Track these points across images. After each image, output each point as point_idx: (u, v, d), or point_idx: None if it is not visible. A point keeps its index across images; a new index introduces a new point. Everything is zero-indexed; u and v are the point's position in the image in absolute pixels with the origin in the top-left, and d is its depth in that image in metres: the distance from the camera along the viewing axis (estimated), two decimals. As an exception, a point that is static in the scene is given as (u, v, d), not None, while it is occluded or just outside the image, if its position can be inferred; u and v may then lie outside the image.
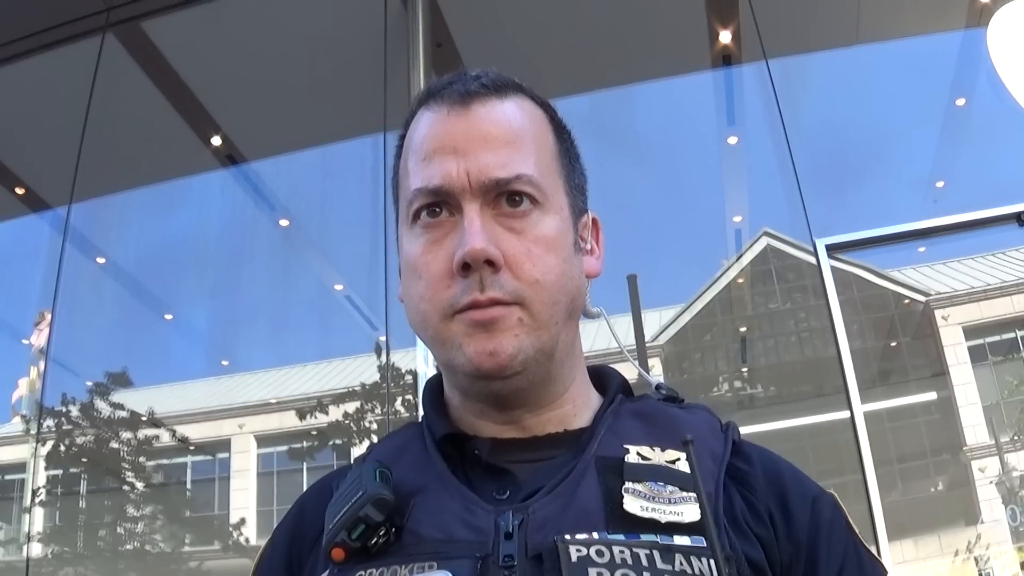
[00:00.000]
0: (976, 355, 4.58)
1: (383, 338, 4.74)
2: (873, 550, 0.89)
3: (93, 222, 5.41)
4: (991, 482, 4.69)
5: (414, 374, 4.47)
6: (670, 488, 0.81)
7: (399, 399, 4.60)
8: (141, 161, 5.32)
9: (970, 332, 4.58)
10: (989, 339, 4.63)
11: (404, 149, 0.94)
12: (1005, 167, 4.66)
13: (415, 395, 4.50)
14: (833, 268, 4.01)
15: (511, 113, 0.89)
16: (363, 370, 4.79)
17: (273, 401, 5.02)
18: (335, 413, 4.77)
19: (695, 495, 0.79)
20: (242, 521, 4.95)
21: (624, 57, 4.77)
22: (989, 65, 4.78)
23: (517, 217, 0.86)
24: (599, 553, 0.75)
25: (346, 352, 5.01)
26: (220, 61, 5.09)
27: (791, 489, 0.87)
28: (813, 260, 4.06)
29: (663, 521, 0.78)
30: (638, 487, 0.81)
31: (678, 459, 0.84)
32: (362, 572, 0.80)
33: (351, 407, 4.77)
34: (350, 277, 5.05)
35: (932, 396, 4.49)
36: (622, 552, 0.75)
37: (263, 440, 5.03)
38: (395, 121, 5.04)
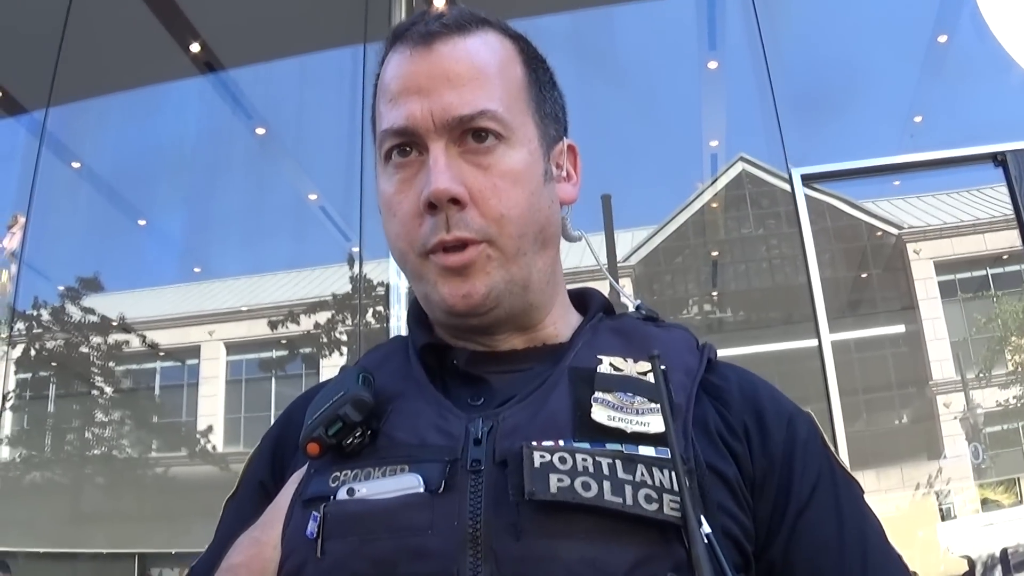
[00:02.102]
0: (946, 290, 4.60)
1: (356, 249, 4.72)
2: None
3: (69, 126, 5.35)
4: (955, 418, 4.74)
5: (386, 286, 4.46)
6: (639, 399, 0.82)
7: (370, 310, 4.59)
8: (119, 66, 5.24)
9: (941, 267, 4.60)
10: (960, 275, 4.65)
11: (377, 90, 0.94)
12: (982, 106, 4.65)
13: (386, 307, 4.49)
14: (807, 197, 4.00)
15: (474, 50, 0.88)
16: (335, 280, 4.78)
17: (244, 309, 5.01)
18: (306, 323, 4.77)
19: (660, 406, 0.79)
20: (209, 428, 4.97)
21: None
22: (972, 3, 4.74)
23: (482, 153, 0.86)
24: (562, 460, 0.75)
25: (318, 262, 4.99)
26: (201, -34, 5.01)
27: (767, 406, 0.88)
28: (788, 187, 4.04)
29: (628, 431, 0.79)
30: (607, 397, 0.82)
31: (648, 372, 0.84)
32: (336, 472, 0.82)
33: (322, 317, 4.77)
34: (325, 187, 5.02)
35: (900, 329, 4.51)
36: (584, 460, 0.75)
37: (233, 347, 5.02)
38: (376, 32, 5.00)
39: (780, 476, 0.84)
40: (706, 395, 0.86)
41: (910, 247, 4.61)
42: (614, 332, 0.92)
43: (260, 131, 5.26)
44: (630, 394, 0.82)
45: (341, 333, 4.75)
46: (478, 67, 0.87)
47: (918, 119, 4.69)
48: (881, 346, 4.54)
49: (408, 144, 0.87)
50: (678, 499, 0.74)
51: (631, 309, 0.99)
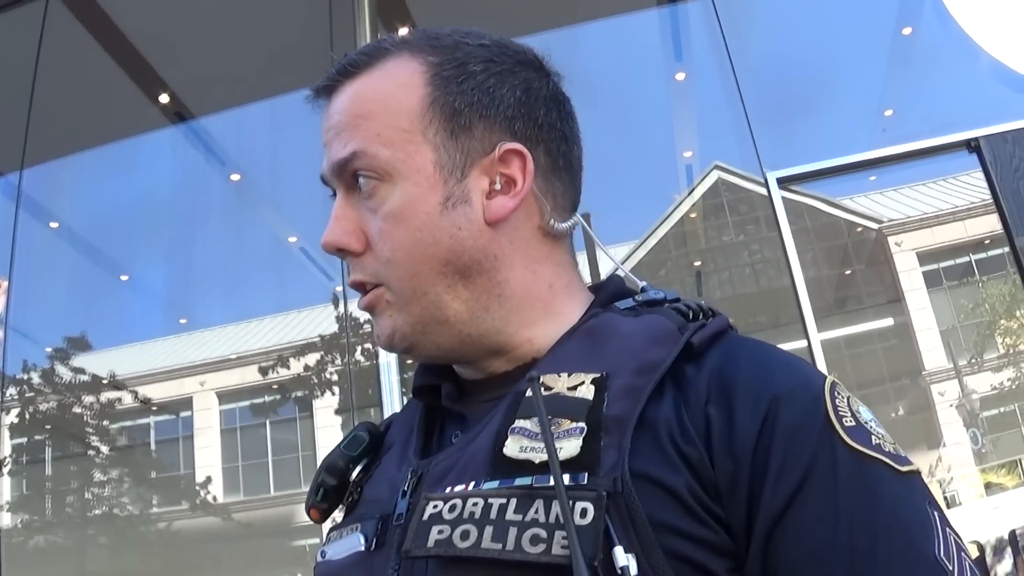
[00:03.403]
0: (931, 280, 4.61)
1: (339, 288, 4.72)
2: None
3: (45, 187, 5.34)
4: (951, 405, 4.73)
5: (371, 323, 4.44)
6: (561, 421, 0.74)
7: (358, 348, 4.58)
8: (90, 123, 5.24)
9: (924, 257, 4.60)
10: (943, 264, 4.65)
11: None
12: (951, 95, 4.67)
13: (374, 344, 4.48)
14: (785, 199, 4.01)
15: (355, 93, 0.87)
16: (321, 321, 4.77)
17: (233, 357, 4.99)
18: (296, 366, 4.75)
19: (583, 425, 0.73)
20: (208, 479, 4.94)
21: (567, -2, 4.73)
22: (931, -9, 4.76)
23: (367, 197, 0.85)
24: (452, 508, 0.72)
25: (303, 304, 4.98)
26: (165, 18, 5.01)
27: (741, 391, 0.74)
28: (764, 191, 4.05)
29: (537, 461, 0.73)
30: (526, 424, 0.76)
31: (581, 383, 0.77)
32: (331, 532, 0.85)
33: (311, 359, 4.75)
34: (303, 229, 5.01)
35: (889, 322, 4.50)
36: (475, 504, 0.71)
37: (225, 396, 5.00)
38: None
39: (752, 477, 0.71)
40: (676, 391, 0.76)
41: (891, 240, 4.61)
42: (585, 336, 0.84)
43: (235, 177, 5.25)
44: (549, 417, 0.74)
45: (332, 373, 4.74)
46: (356, 111, 0.86)
47: (888, 113, 4.71)
48: (871, 341, 4.54)
49: (334, 193, 0.89)
50: (585, 533, 0.66)
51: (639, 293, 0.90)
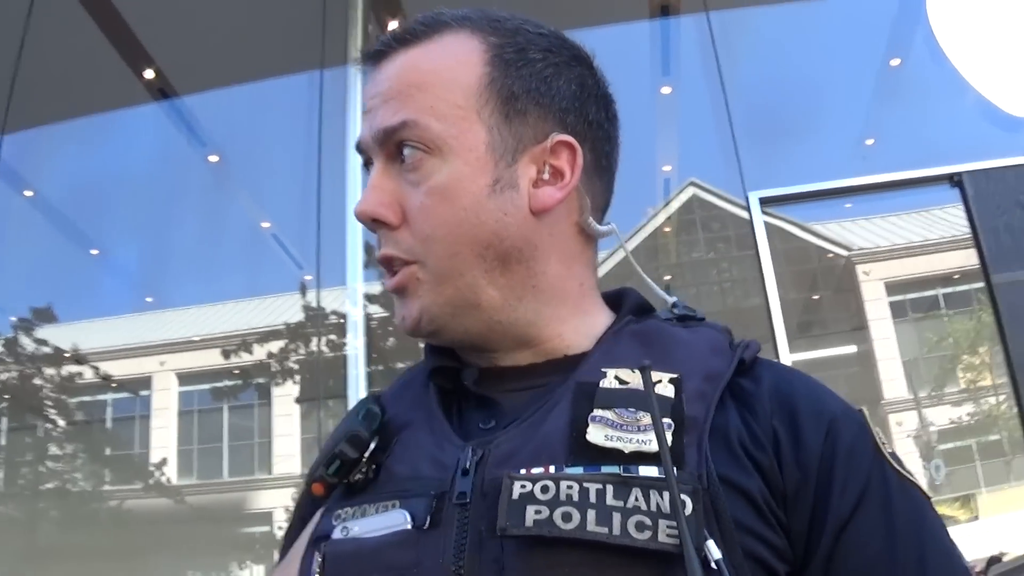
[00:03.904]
0: (897, 311, 4.62)
1: (308, 277, 4.70)
2: None
3: (23, 154, 5.30)
4: (908, 436, 4.75)
5: (339, 315, 4.44)
6: (642, 414, 0.75)
7: (323, 339, 4.56)
8: (73, 93, 5.21)
9: (892, 288, 4.62)
10: (911, 295, 4.67)
11: None
12: (937, 128, 4.70)
13: (340, 335, 4.47)
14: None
15: (410, 63, 0.86)
16: (286, 309, 4.74)
17: (196, 339, 4.96)
18: (259, 352, 4.73)
19: (671, 421, 0.74)
20: (163, 461, 4.90)
21: (560, 5, 4.72)
22: (926, 27, 4.80)
23: (411, 170, 0.83)
24: (544, 489, 0.71)
25: (271, 290, 4.95)
26: (156, -8, 5.00)
27: (803, 410, 0.80)
28: (737, 210, 4.06)
29: (627, 451, 0.73)
30: (606, 414, 0.76)
31: (659, 381, 0.78)
32: (339, 510, 0.80)
33: (274, 346, 4.73)
34: (278, 215, 4.99)
35: (852, 349, 4.52)
36: (570, 487, 0.71)
37: (184, 378, 4.97)
38: (333, 57, 4.99)
39: (817, 488, 0.76)
40: (735, 401, 0.80)
41: (860, 268, 4.63)
42: (636, 338, 0.86)
43: (213, 158, 5.23)
44: (632, 410, 0.76)
45: (294, 362, 4.71)
46: (411, 80, 0.85)
47: (870, 142, 4.74)
48: (833, 367, 4.55)
49: (369, 161, 0.88)
50: (675, 525, 0.68)
51: (669, 306, 0.92)
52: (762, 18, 5.01)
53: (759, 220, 4.01)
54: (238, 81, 5.14)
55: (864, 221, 4.68)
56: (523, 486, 0.71)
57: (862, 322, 4.60)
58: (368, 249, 4.49)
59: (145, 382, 4.95)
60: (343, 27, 4.94)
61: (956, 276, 4.66)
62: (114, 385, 4.97)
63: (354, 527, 0.77)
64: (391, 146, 0.84)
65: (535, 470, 0.73)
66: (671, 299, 0.93)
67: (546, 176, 0.86)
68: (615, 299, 0.93)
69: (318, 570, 0.77)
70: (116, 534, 4.97)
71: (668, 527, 0.68)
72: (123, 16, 5.10)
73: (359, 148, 0.88)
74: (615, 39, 4.92)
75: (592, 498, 0.70)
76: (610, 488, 0.70)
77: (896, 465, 0.79)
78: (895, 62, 4.89)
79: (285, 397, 4.77)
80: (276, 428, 4.72)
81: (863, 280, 4.64)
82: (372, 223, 0.84)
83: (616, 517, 0.69)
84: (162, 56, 5.22)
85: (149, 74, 5.26)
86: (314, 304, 4.66)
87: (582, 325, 0.88)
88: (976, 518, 4.78)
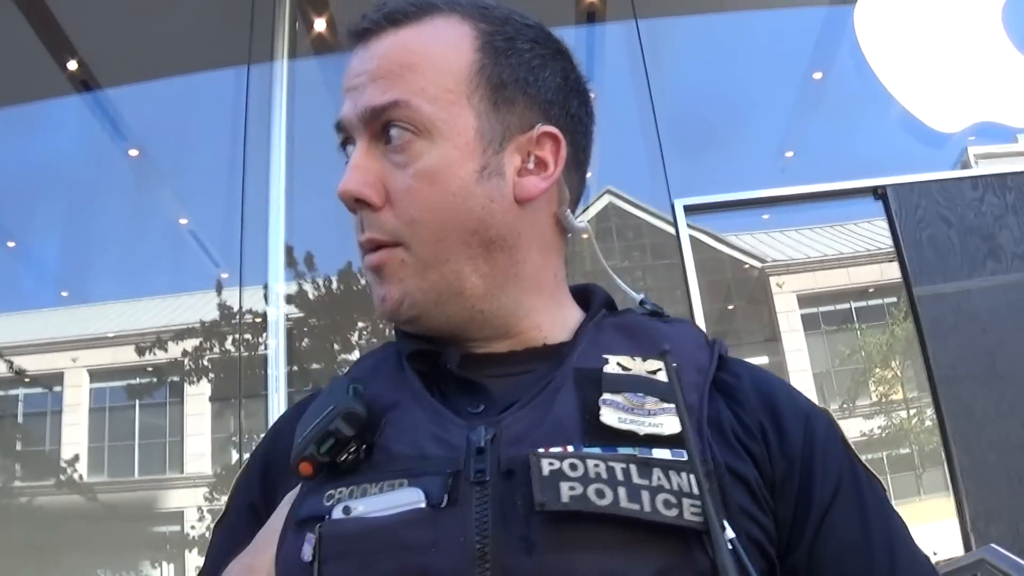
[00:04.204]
0: (809, 323, 4.67)
1: (225, 275, 4.65)
2: None
3: (-58, 144, 5.21)
4: (820, 448, 4.80)
5: (256, 314, 4.40)
6: (650, 399, 0.78)
7: (230, 337, 4.53)
8: (-4, 82, 5.12)
9: (804, 300, 4.66)
10: (823, 308, 4.71)
11: None
12: (856, 142, 4.75)
13: (256, 334, 4.43)
14: (670, 230, 4.04)
15: (401, 43, 0.86)
16: (202, 307, 4.70)
17: (110, 335, 4.90)
18: (173, 350, 4.68)
19: (675, 406, 0.76)
20: (75, 457, 4.83)
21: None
22: (850, 42, 4.85)
23: (398, 151, 0.83)
24: (572, 467, 0.72)
25: (187, 288, 4.90)
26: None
27: (784, 404, 0.85)
28: (653, 220, 4.07)
29: (641, 433, 0.76)
30: (616, 398, 0.78)
31: (659, 370, 0.81)
32: (331, 490, 0.77)
33: (189, 344, 4.68)
34: (195, 212, 4.94)
35: (764, 360, 4.56)
36: (596, 466, 0.72)
37: (96, 375, 4.90)
38: (259, 53, 4.94)
39: (801, 477, 0.81)
40: (719, 393, 0.83)
41: (773, 280, 4.67)
42: (618, 329, 0.88)
43: (133, 153, 5.16)
44: (640, 394, 0.79)
45: (208, 361, 4.67)
46: (401, 60, 0.85)
47: (789, 154, 4.78)
48: (745, 378, 4.57)
49: (349, 139, 0.88)
50: (698, 504, 0.71)
51: (637, 304, 0.96)
52: (689, 27, 5.03)
53: (684, 228, 4.02)
54: (163, 75, 5.08)
55: (779, 233, 4.72)
56: (551, 463, 0.72)
57: (775, 334, 4.63)
58: (288, 250, 4.46)
59: (57, 378, 4.88)
60: (270, 24, 4.90)
61: (871, 290, 4.71)
62: (27, 380, 4.89)
63: (357, 506, 0.75)
64: (377, 125, 0.84)
65: (553, 449, 0.74)
66: (638, 296, 0.96)
67: (531, 166, 0.88)
68: (581, 293, 0.96)
69: (313, 552, 0.74)
70: (26, 530, 4.89)
71: (691, 505, 0.71)
72: (48, 5, 5.03)
73: (339, 126, 0.88)
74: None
75: (619, 476, 0.71)
76: (633, 468, 0.72)
77: (861, 458, 0.86)
78: (817, 75, 4.94)
79: (198, 396, 4.72)
80: (188, 427, 4.68)
81: (776, 292, 4.68)
82: (355, 203, 0.84)
83: (645, 495, 0.71)
84: (86, 47, 5.16)
85: (72, 65, 5.19)
86: (231, 303, 4.62)
87: (558, 316, 0.91)
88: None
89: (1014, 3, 4.93)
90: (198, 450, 4.64)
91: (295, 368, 4.39)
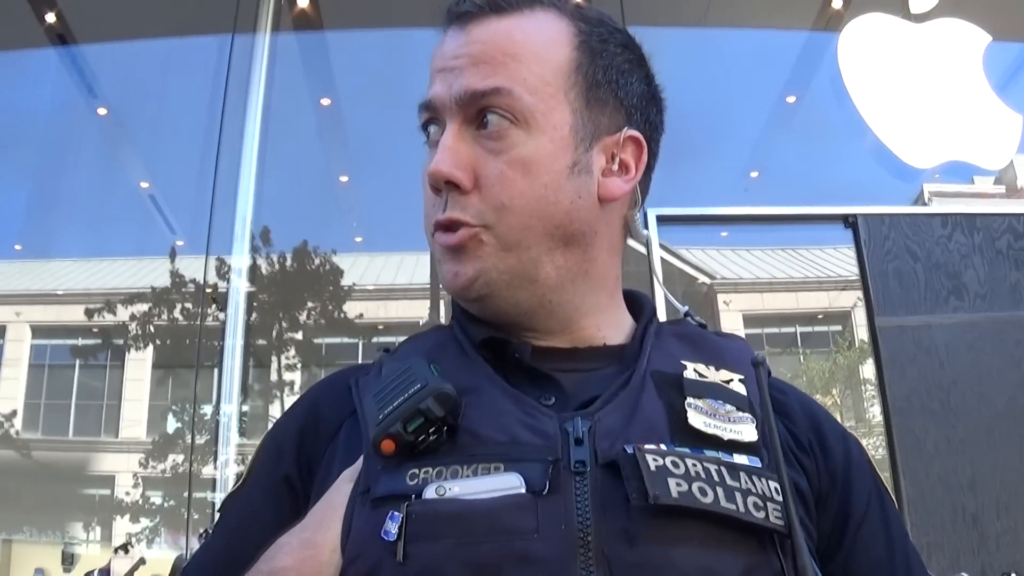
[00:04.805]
0: (753, 343, 4.66)
1: (180, 243, 4.63)
2: None
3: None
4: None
5: (210, 285, 4.38)
6: (728, 407, 0.81)
7: (180, 306, 4.52)
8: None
9: (750, 320, 4.67)
10: (768, 330, 4.73)
11: None
12: (822, 168, 4.76)
13: (195, 304, 4.41)
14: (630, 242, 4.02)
15: (504, 31, 0.87)
16: (151, 272, 4.67)
17: (59, 292, 4.87)
18: (121, 313, 4.65)
19: (751, 416, 0.80)
20: (12, 413, 4.79)
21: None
22: (830, 68, 4.85)
23: (493, 138, 0.84)
24: (674, 464, 0.74)
25: (141, 252, 4.87)
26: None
27: (825, 424, 0.89)
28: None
29: (725, 438, 0.78)
30: (699, 403, 0.80)
31: (731, 380, 0.84)
32: (415, 470, 0.76)
33: (137, 309, 4.65)
34: (157, 176, 4.90)
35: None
36: (695, 465, 0.74)
37: (39, 331, 4.87)
38: (244, 24, 4.91)
39: (841, 492, 0.85)
40: (772, 409, 0.83)
41: (720, 297, 4.67)
42: (680, 339, 0.90)
43: (101, 111, 5.12)
44: (720, 401, 0.81)
45: (153, 328, 4.64)
46: (504, 48, 0.85)
47: (754, 174, 4.78)
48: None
49: (436, 119, 0.87)
50: (779, 508, 0.74)
51: (682, 315, 0.98)
52: (670, 39, 5.03)
53: (655, 238, 4.02)
54: (143, 36, 5.05)
55: (730, 252, 4.73)
56: (655, 460, 0.73)
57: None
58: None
59: (-1, 331, 4.84)
60: (255, -5, 4.87)
61: (819, 316, 4.72)
62: (-31, 331, 4.85)
63: (452, 488, 0.74)
64: (473, 109, 0.84)
65: (649, 446, 0.75)
66: (683, 308, 0.98)
67: (615, 167, 0.89)
68: (628, 298, 0.96)
69: (397, 531, 0.72)
70: (-43, 481, 4.86)
71: (774, 509, 0.74)
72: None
73: (428, 105, 0.88)
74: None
75: (715, 477, 0.74)
76: (724, 470, 0.75)
77: (883, 481, 0.90)
78: (791, 99, 4.95)
79: (140, 362, 4.69)
80: (127, 392, 4.65)
81: (723, 309, 4.69)
82: (444, 184, 0.84)
83: (738, 496, 0.73)
84: (67, 1, 5.12)
85: (51, 18, 5.15)
86: (183, 271, 4.60)
87: (615, 318, 0.92)
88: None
89: (996, 46, 4.95)
90: (135, 416, 4.61)
91: (242, 342, 4.38)
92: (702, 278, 4.50)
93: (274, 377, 4.60)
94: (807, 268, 4.57)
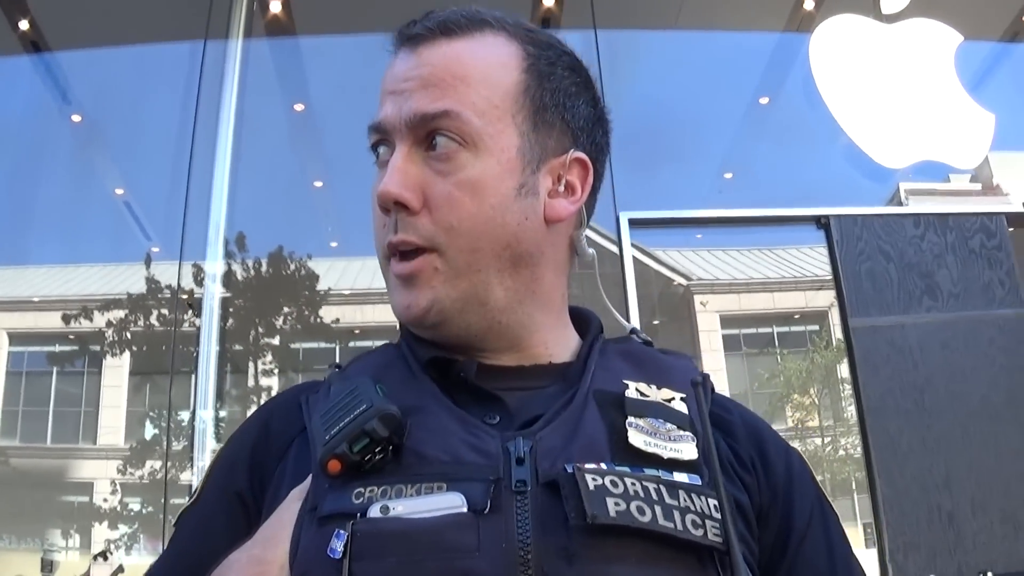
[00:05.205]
0: (730, 344, 4.70)
1: (156, 249, 4.63)
2: None
3: None
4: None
5: (182, 290, 4.37)
6: (669, 425, 0.83)
7: (156, 312, 4.51)
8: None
9: (727, 321, 4.69)
10: (745, 330, 4.75)
11: None
12: (796, 169, 4.79)
13: (171, 309, 4.40)
14: (602, 244, 4.04)
15: (453, 54, 0.88)
16: (128, 278, 4.66)
17: (35, 299, 4.85)
18: (98, 320, 4.64)
19: (691, 435, 0.82)
20: (-10, 420, 4.78)
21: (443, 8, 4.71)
22: (802, 69, 4.88)
23: (442, 160, 0.85)
24: (613, 484, 0.75)
25: (117, 259, 4.86)
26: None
27: (768, 439, 0.92)
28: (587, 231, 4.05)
29: (665, 457, 0.80)
30: (640, 422, 0.82)
31: (672, 399, 0.87)
32: (361, 489, 0.78)
33: (114, 316, 4.64)
34: (131, 183, 4.90)
35: (683, 378, 4.57)
36: (633, 484, 0.76)
37: (16, 338, 4.85)
38: (217, 30, 4.90)
39: (783, 507, 0.88)
40: (713, 427, 0.87)
41: (697, 298, 4.70)
42: (624, 357, 0.92)
43: (76, 118, 5.11)
44: (661, 420, 0.83)
45: (130, 334, 4.64)
46: (454, 71, 0.87)
47: (728, 175, 4.80)
48: (663, 393, 4.60)
49: (385, 141, 0.89)
50: (718, 525, 0.76)
51: (628, 331, 1.01)
52: (643, 41, 5.06)
53: (627, 241, 4.04)
54: (116, 43, 5.04)
55: (707, 252, 4.75)
56: (594, 479, 0.75)
57: (695, 352, 4.66)
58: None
59: (-24, 339, 4.82)
60: (227, 3, 4.87)
61: (796, 316, 4.75)
62: (-56, 339, 4.83)
63: (396, 507, 0.75)
64: (422, 132, 0.86)
65: (589, 466, 0.77)
66: (629, 325, 1.01)
67: (561, 189, 0.92)
68: (575, 316, 0.99)
69: (343, 549, 0.74)
70: (-69, 488, 4.84)
71: (712, 527, 0.76)
72: (3, -38, 4.97)
73: (378, 127, 0.90)
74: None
75: (654, 495, 0.76)
76: (663, 488, 0.77)
77: (824, 493, 0.93)
78: (764, 100, 4.98)
79: (117, 368, 4.69)
80: (104, 399, 4.65)
81: (700, 311, 4.71)
82: (394, 205, 0.85)
83: (676, 514, 0.75)
84: (39, 8, 5.10)
85: (24, 25, 5.13)
86: (159, 277, 4.59)
87: (561, 336, 0.95)
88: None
89: (967, 45, 4.99)
90: (113, 423, 4.61)
91: (217, 348, 4.37)
92: (678, 279, 4.53)
93: (251, 383, 4.60)
94: (783, 268, 4.60)
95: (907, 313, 4.11)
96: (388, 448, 0.79)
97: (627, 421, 0.82)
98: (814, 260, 4.28)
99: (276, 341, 4.63)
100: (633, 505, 0.74)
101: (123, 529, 4.55)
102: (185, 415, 4.32)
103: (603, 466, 0.77)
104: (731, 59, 5.00)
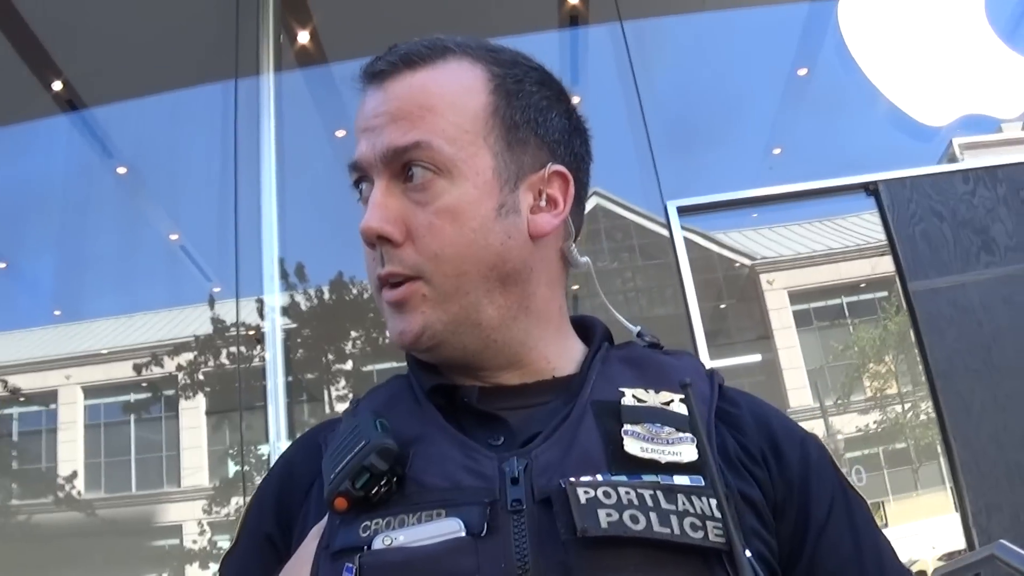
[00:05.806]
0: (801, 319, 4.66)
1: (217, 289, 4.65)
2: None
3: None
4: (816, 445, 4.81)
5: (249, 327, 4.39)
6: (667, 429, 0.82)
7: (233, 350, 4.53)
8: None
9: (795, 297, 4.65)
10: (814, 304, 4.70)
11: None
12: (843, 137, 4.75)
13: (250, 347, 4.43)
14: (659, 231, 4.02)
15: (421, 84, 0.88)
16: (193, 320, 4.70)
17: (104, 352, 4.90)
18: (168, 365, 4.68)
19: (691, 436, 0.81)
20: (73, 474, 4.83)
21: (470, 15, 4.72)
22: (834, 37, 4.84)
23: (419, 190, 0.86)
24: (606, 494, 0.76)
25: (179, 303, 4.90)
26: (64, 2, 4.93)
27: (780, 431, 0.90)
28: (641, 220, 4.05)
29: (663, 461, 0.80)
30: (636, 429, 0.82)
31: (672, 401, 0.86)
32: (367, 522, 0.79)
33: (183, 359, 4.68)
34: (185, 226, 4.94)
35: (757, 358, 4.55)
36: (628, 493, 0.76)
37: (90, 391, 4.90)
38: (246, 67, 4.93)
39: (799, 498, 0.86)
40: (721, 422, 0.87)
41: (763, 277, 4.65)
42: (625, 362, 0.91)
43: (121, 170, 5.16)
44: (658, 424, 0.83)
45: (202, 375, 4.67)
46: (420, 102, 0.87)
47: (777, 151, 4.77)
48: (738, 376, 4.57)
49: (365, 178, 0.89)
50: (720, 526, 0.75)
51: (635, 335, 0.98)
52: (672, 28, 5.04)
53: (678, 229, 4.02)
54: (149, 92, 5.08)
55: (767, 230, 4.71)
56: (586, 492, 0.75)
57: (767, 331, 4.63)
58: (280, 261, 4.46)
59: (52, 396, 4.88)
60: (255, 37, 4.90)
61: (862, 285, 4.70)
62: (21, 399, 4.89)
63: (398, 537, 0.77)
64: (397, 165, 0.86)
65: (584, 478, 0.77)
66: (635, 328, 0.98)
67: (543, 203, 0.90)
68: (579, 325, 0.98)
69: None
70: (25, 549, 4.90)
71: (714, 528, 0.75)
72: (30, 26, 5.02)
73: (355, 166, 0.90)
74: (524, 48, 4.92)
75: (649, 502, 0.75)
76: (660, 494, 0.76)
77: (847, 480, 0.91)
78: (802, 71, 4.94)
79: (193, 410, 4.72)
80: (184, 441, 4.68)
81: (767, 289, 4.67)
82: (377, 239, 0.86)
83: (673, 519, 0.75)
84: (70, 67, 5.16)
85: (57, 86, 5.19)
86: (224, 316, 4.62)
87: (564, 348, 0.93)
88: (886, 526, 4.83)
89: (997, -6, 4.93)
90: (195, 463, 4.65)
91: (290, 379, 4.39)
92: (741, 260, 4.50)
93: (327, 410, 4.62)
94: (845, 237, 4.55)
95: (966, 272, 4.05)
96: (392, 480, 0.81)
97: (623, 429, 0.82)
98: (874, 226, 4.24)
99: (348, 366, 4.65)
100: (627, 514, 0.74)
101: (214, 568, 4.59)
102: (265, 449, 4.35)
103: (598, 477, 0.77)
104: (763, 35, 4.97)
